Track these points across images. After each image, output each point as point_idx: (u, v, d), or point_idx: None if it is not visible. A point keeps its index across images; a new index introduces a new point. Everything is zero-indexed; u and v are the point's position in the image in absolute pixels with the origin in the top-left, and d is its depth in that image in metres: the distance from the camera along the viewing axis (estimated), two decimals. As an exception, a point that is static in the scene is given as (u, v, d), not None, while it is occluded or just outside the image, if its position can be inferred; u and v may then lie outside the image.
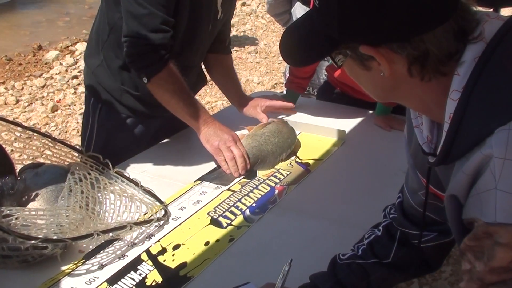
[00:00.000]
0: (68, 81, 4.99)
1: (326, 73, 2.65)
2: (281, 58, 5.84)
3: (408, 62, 0.84)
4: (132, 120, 2.00)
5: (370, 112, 2.31)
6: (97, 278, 1.32)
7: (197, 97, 2.34)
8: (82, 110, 4.45)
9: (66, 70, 5.20)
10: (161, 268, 1.35)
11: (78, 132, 4.16)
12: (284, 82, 3.44)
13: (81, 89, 4.87)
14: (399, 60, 0.85)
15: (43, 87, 4.89)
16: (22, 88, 4.85)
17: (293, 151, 1.98)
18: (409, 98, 0.93)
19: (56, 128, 4.23)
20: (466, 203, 0.84)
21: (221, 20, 1.99)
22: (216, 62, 2.16)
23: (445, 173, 0.93)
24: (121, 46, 1.77)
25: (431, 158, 0.93)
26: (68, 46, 5.71)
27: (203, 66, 2.15)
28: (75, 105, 4.61)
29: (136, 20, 1.72)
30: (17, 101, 4.60)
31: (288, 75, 2.72)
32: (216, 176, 1.78)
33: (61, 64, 5.30)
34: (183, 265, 1.36)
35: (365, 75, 0.91)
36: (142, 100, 1.94)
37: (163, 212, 1.57)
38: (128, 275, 1.32)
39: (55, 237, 1.28)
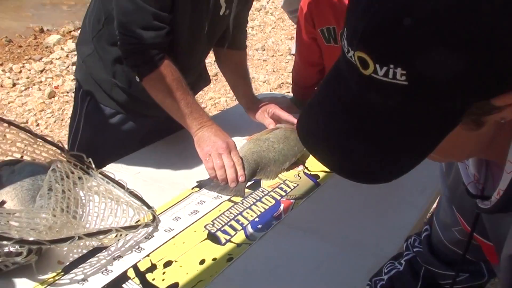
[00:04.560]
0: (68, 67, 4.83)
1: None
2: (289, 57, 5.70)
3: None
4: (121, 117, 1.84)
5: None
6: (76, 295, 1.16)
7: (200, 92, 2.20)
8: (80, 98, 4.34)
9: (67, 56, 5.04)
10: (149, 288, 1.19)
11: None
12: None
13: (81, 76, 4.72)
14: None
15: (41, 71, 4.72)
16: (20, 71, 4.69)
17: (300, 161, 1.81)
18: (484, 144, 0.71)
19: (52, 115, 4.07)
20: None
21: (226, 16, 1.80)
22: (227, 58, 2.00)
23: (498, 222, 0.76)
24: (116, 37, 1.62)
25: (481, 202, 0.76)
26: (70, 31, 5.55)
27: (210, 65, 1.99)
28: (73, 92, 4.44)
29: (125, 16, 1.56)
30: (14, 85, 4.44)
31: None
32: (216, 185, 1.62)
33: (62, 49, 5.14)
34: (174, 286, 1.20)
35: (467, 135, 0.65)
36: (133, 97, 1.78)
37: (151, 217, 1.41)
38: (112, 294, 1.16)
39: (32, 239, 1.11)
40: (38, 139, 1.53)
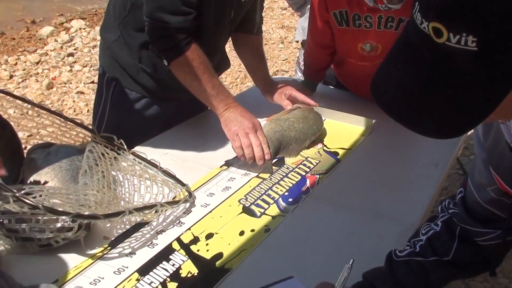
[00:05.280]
0: (63, 58, 4.84)
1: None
2: (281, 45, 5.75)
3: None
4: (146, 101, 1.89)
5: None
6: (127, 267, 1.21)
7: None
8: (79, 89, 4.37)
9: (61, 47, 5.05)
10: (195, 258, 1.25)
11: (74, 111, 4.04)
12: (296, 68, 3.35)
13: (77, 67, 4.74)
14: None
15: (37, 63, 4.73)
16: (16, 63, 4.69)
17: (318, 139, 1.88)
18: None
19: (52, 106, 4.09)
20: None
21: (247, 2, 1.87)
22: (245, 42, 2.06)
23: None
24: (143, 23, 1.66)
25: None
26: (63, 23, 5.55)
27: (227, 49, 2.04)
28: (71, 83, 4.47)
29: (154, 1, 1.61)
30: (11, 76, 4.45)
31: (301, 63, 2.64)
32: (244, 163, 1.68)
33: (56, 40, 5.14)
34: (219, 256, 1.26)
35: None
36: (159, 81, 1.83)
37: (186, 194, 1.47)
38: (161, 265, 1.22)
39: (87, 213, 1.16)
40: (69, 122, 1.57)
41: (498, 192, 1.03)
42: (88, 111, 4.01)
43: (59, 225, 1.20)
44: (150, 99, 1.89)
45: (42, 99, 4.16)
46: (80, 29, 5.47)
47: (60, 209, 1.13)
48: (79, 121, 1.59)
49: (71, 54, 4.91)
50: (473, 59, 0.66)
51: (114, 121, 1.89)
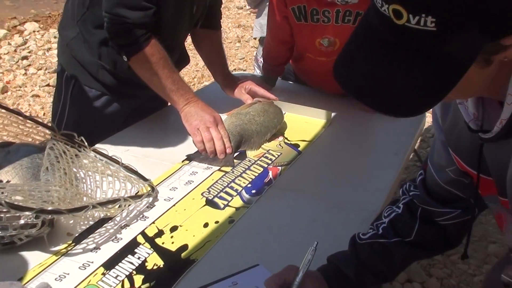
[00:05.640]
0: (17, 62, 4.76)
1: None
2: (238, 44, 5.76)
3: None
4: (107, 98, 1.88)
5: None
6: (92, 262, 1.20)
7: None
8: (34, 92, 4.29)
9: (15, 50, 4.96)
10: (160, 251, 1.25)
11: (30, 114, 3.96)
12: (255, 65, 3.37)
13: (32, 70, 4.66)
14: None
15: (-10, 67, 4.65)
16: (-32, 67, 4.60)
17: (279, 132, 1.91)
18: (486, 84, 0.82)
19: (7, 110, 4.02)
20: None
21: None
22: (204, 37, 2.07)
23: (498, 150, 0.88)
24: (102, 20, 1.65)
25: (483, 135, 0.88)
26: (16, 26, 5.45)
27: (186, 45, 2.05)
28: (26, 86, 4.40)
29: None
30: (-36, 80, 4.36)
31: (260, 59, 2.66)
32: (206, 157, 1.69)
33: (9, 44, 5.05)
34: (184, 247, 1.27)
35: (477, 73, 0.75)
36: (119, 78, 1.82)
37: (149, 188, 1.48)
38: (126, 258, 1.22)
39: (50, 208, 1.15)
40: (28, 121, 1.55)
41: (457, 173, 1.07)
42: (44, 115, 3.95)
43: (22, 222, 1.19)
44: (110, 97, 1.88)
45: (-3, 103, 4.08)
46: (34, 31, 5.38)
47: (23, 205, 1.12)
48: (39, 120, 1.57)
49: (25, 57, 4.83)
50: (432, 39, 0.69)
51: (74, 119, 1.87)
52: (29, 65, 4.71)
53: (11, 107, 4.00)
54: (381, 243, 1.16)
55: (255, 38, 4.34)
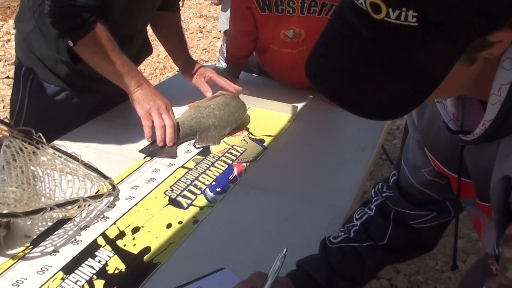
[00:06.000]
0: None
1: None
2: (200, 34, 5.72)
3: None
4: (67, 94, 1.81)
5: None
6: (50, 266, 1.15)
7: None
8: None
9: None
10: (122, 254, 1.20)
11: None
12: (220, 57, 3.32)
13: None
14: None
15: None
16: None
17: (243, 126, 1.87)
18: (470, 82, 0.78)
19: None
20: None
21: None
22: (163, 20, 2.02)
23: (479, 153, 0.84)
24: None
25: (464, 136, 0.84)
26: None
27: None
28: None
29: None
30: None
31: (225, 51, 2.62)
32: (156, 149, 1.66)
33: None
34: (147, 250, 1.22)
35: (461, 72, 0.71)
36: (78, 72, 1.75)
37: (110, 187, 1.42)
38: (86, 262, 1.17)
39: (6, 211, 1.10)
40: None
41: (433, 174, 1.04)
42: (4, 107, 3.83)
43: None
44: (70, 92, 1.81)
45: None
46: (-9, 22, 5.22)
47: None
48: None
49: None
50: (414, 35, 0.64)
51: (33, 115, 1.80)
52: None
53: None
54: (352, 247, 1.12)
55: (220, 31, 4.29)
